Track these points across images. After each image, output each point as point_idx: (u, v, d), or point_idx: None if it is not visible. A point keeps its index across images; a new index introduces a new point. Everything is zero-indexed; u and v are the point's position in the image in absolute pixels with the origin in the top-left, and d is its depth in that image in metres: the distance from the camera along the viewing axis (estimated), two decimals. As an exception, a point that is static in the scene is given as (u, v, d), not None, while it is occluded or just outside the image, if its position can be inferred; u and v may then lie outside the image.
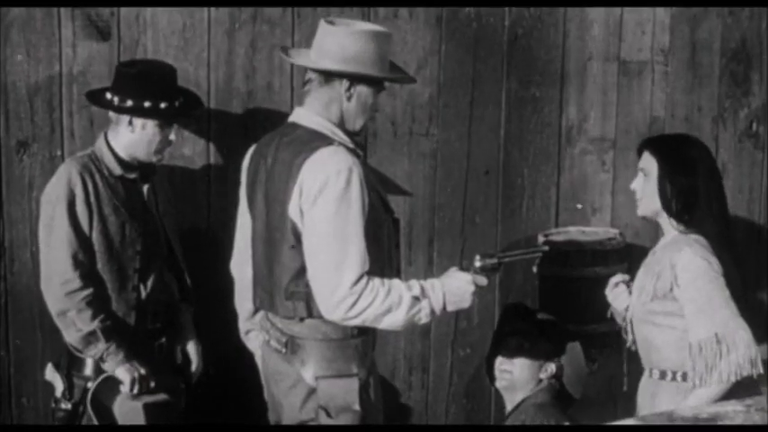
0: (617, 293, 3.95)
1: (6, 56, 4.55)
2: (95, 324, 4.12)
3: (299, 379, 3.76)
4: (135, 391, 4.16)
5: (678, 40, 5.50)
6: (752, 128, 5.66)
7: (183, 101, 4.28)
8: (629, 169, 5.41)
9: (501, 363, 4.46)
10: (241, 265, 4.05)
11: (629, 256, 5.04)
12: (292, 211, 3.70)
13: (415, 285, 3.71)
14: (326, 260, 3.64)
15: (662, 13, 5.45)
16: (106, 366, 4.16)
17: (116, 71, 4.32)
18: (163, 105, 4.18)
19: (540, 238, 5.15)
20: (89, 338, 4.13)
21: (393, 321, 3.69)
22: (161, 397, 4.24)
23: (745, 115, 5.63)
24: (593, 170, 5.42)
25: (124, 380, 4.16)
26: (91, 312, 4.11)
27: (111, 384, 4.18)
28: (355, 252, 3.63)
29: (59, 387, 4.24)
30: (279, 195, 3.74)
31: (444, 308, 3.75)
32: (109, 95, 4.24)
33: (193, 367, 4.40)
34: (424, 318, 3.73)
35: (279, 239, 3.76)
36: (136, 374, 4.16)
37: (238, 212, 4.04)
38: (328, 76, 3.79)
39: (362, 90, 3.81)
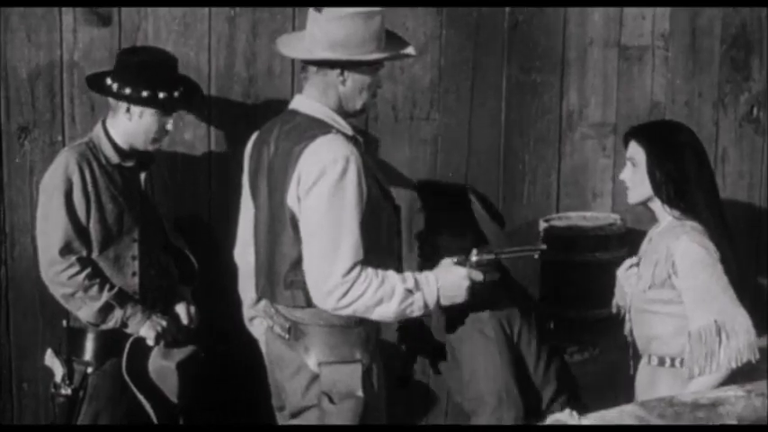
0: (629, 275, 3.93)
1: (7, 41, 4.55)
2: (106, 295, 4.16)
3: (303, 365, 3.76)
4: (162, 344, 4.23)
5: (678, 25, 5.50)
6: (752, 113, 5.67)
7: (182, 91, 4.27)
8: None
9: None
10: (244, 253, 4.05)
11: (629, 241, 5.04)
12: (291, 200, 3.69)
13: (410, 278, 3.69)
14: (320, 248, 3.63)
15: (662, -1, 5.46)
16: (129, 330, 4.21)
17: (117, 58, 4.32)
18: (161, 95, 4.17)
19: (542, 224, 5.16)
20: (105, 311, 4.17)
21: (385, 313, 3.66)
22: (189, 349, 4.31)
23: (745, 100, 5.64)
24: (594, 155, 5.42)
25: (149, 336, 4.22)
26: (97, 287, 4.15)
27: (140, 346, 4.22)
28: (349, 241, 3.61)
29: (59, 372, 4.25)
30: (279, 184, 3.74)
31: (438, 302, 3.73)
32: (109, 81, 4.23)
33: (184, 321, 4.43)
34: (416, 311, 3.70)
35: (279, 228, 3.76)
36: (159, 328, 4.23)
37: (241, 200, 4.03)
38: (320, 64, 3.78)
39: (356, 74, 3.79)
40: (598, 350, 4.92)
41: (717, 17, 5.54)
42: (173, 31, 4.74)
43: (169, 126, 4.25)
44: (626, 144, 3.89)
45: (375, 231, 3.73)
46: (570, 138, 5.39)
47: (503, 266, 3.96)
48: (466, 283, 3.74)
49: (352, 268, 3.60)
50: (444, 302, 3.74)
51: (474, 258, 3.74)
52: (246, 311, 4.16)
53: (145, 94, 4.15)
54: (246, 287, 4.09)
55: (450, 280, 3.73)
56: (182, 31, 4.76)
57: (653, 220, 3.90)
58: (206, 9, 4.77)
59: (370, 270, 3.62)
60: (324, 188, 3.61)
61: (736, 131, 5.60)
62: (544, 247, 3.92)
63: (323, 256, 3.61)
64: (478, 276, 3.76)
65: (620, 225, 5.14)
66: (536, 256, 3.90)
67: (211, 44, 4.81)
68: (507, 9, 5.21)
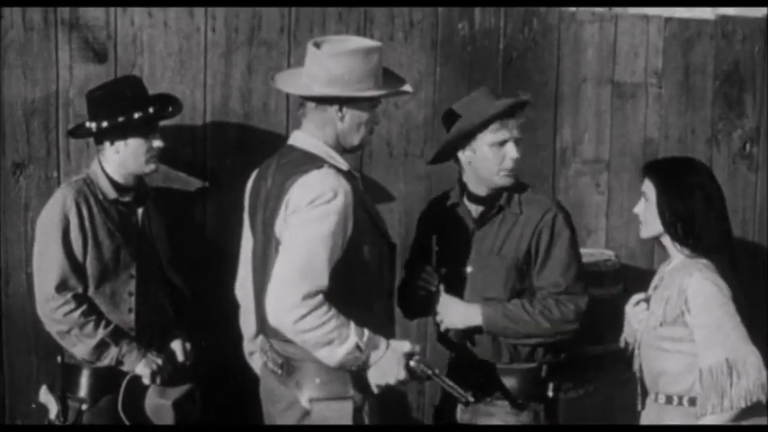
0: (637, 311, 3.93)
1: (3, 77, 4.57)
2: (101, 333, 4.15)
3: (295, 401, 3.75)
4: (158, 382, 4.23)
5: (671, 62, 5.53)
6: (745, 149, 5.69)
7: (158, 106, 4.29)
8: (624, 191, 5.44)
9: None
10: (244, 288, 4.06)
11: (624, 278, 5.05)
12: (278, 229, 3.71)
13: (366, 335, 3.65)
14: (287, 266, 3.60)
15: (655, 37, 5.49)
16: (125, 367, 4.20)
17: (86, 99, 4.34)
18: (137, 115, 4.19)
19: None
20: (100, 348, 4.16)
21: (330, 356, 3.62)
22: (185, 387, 4.31)
23: (738, 137, 5.66)
24: (588, 192, 5.43)
25: (144, 375, 4.21)
26: (93, 324, 4.14)
27: (137, 384, 4.22)
28: (316, 265, 3.57)
29: (53, 409, 4.24)
30: (270, 216, 3.76)
31: (368, 368, 3.71)
32: (87, 124, 4.26)
33: (180, 358, 4.42)
34: (354, 366, 3.68)
35: (268, 259, 3.76)
36: (154, 366, 4.23)
37: (242, 236, 4.05)
38: (319, 101, 3.81)
39: (354, 110, 3.82)
40: (593, 387, 4.91)
41: (710, 54, 5.57)
42: (168, 68, 4.77)
43: (157, 143, 4.26)
44: (642, 178, 3.90)
45: (362, 266, 3.73)
46: (564, 174, 5.41)
47: None
48: (392, 380, 3.72)
49: (314, 294, 3.55)
50: (370, 372, 3.71)
51: (412, 363, 3.72)
52: (247, 346, 4.17)
53: (121, 119, 4.17)
54: (247, 321, 4.11)
55: (389, 366, 3.71)
56: (177, 68, 4.78)
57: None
58: (201, 46, 4.80)
59: (334, 309, 3.59)
60: (306, 213, 3.62)
61: (729, 168, 5.62)
62: (472, 400, 3.86)
63: (288, 273, 3.58)
64: (405, 379, 3.74)
65: (615, 261, 5.14)
66: (461, 401, 3.87)
67: (207, 81, 4.83)
68: (501, 46, 5.24)
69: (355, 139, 3.85)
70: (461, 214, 4.21)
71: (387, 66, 3.98)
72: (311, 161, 3.75)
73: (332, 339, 3.59)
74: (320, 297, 3.57)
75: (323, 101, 3.79)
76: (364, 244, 3.73)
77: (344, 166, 3.81)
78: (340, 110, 3.79)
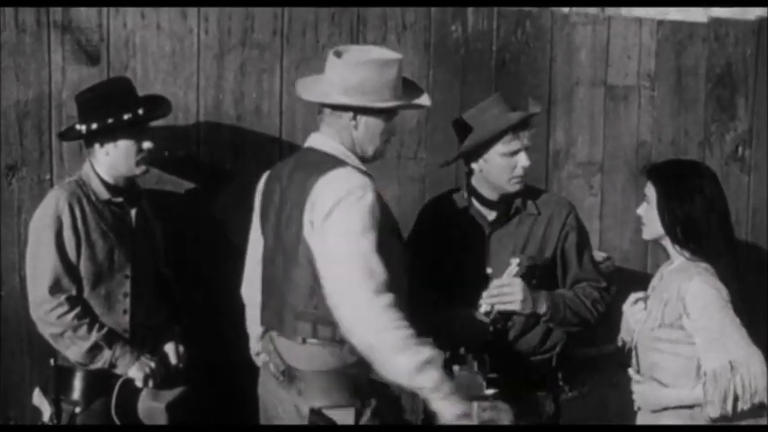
0: (635, 311, 3.93)
1: (-4, 80, 4.58)
2: (94, 336, 4.15)
3: (295, 407, 3.75)
4: (150, 385, 4.22)
5: (664, 65, 5.54)
6: (738, 152, 5.70)
7: (148, 108, 4.28)
8: (617, 193, 5.45)
9: None
10: (251, 288, 4.06)
11: (617, 280, 5.04)
12: (306, 230, 3.70)
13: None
14: (349, 275, 3.57)
15: (648, 39, 5.50)
16: (118, 370, 4.20)
17: (75, 101, 4.33)
18: (126, 117, 4.18)
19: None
20: (93, 351, 4.16)
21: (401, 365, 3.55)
22: (179, 390, 4.31)
23: (731, 139, 5.67)
24: (581, 194, 5.44)
25: (137, 377, 4.21)
26: (86, 327, 4.14)
27: (130, 387, 4.22)
28: (372, 262, 3.57)
29: (47, 412, 4.23)
30: (292, 215, 3.75)
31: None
32: (77, 127, 4.26)
33: (173, 360, 4.42)
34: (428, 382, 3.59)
35: (290, 259, 3.76)
36: (147, 369, 4.22)
37: (250, 238, 4.05)
38: (333, 107, 3.83)
39: (369, 119, 3.84)
40: (587, 388, 4.91)
41: (702, 57, 5.58)
42: (161, 71, 4.76)
43: (147, 144, 4.25)
44: (645, 181, 3.91)
45: (388, 265, 3.72)
46: (557, 176, 5.41)
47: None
48: None
49: (382, 288, 3.55)
50: None
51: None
52: (254, 345, 4.17)
53: (110, 121, 4.17)
54: (254, 321, 4.10)
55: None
56: (170, 70, 4.78)
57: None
58: (195, 48, 4.79)
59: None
60: (343, 217, 3.61)
61: (721, 170, 5.63)
62: None
63: (357, 286, 3.56)
64: None
65: (609, 264, 5.14)
66: None
67: (200, 83, 4.83)
68: (494, 48, 5.24)
69: (369, 149, 3.87)
70: (471, 216, 4.24)
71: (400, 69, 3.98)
72: (332, 161, 3.77)
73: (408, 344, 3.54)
74: (391, 295, 3.55)
75: (337, 107, 3.82)
76: (386, 244, 3.73)
77: (362, 167, 3.83)
78: (354, 118, 3.82)
